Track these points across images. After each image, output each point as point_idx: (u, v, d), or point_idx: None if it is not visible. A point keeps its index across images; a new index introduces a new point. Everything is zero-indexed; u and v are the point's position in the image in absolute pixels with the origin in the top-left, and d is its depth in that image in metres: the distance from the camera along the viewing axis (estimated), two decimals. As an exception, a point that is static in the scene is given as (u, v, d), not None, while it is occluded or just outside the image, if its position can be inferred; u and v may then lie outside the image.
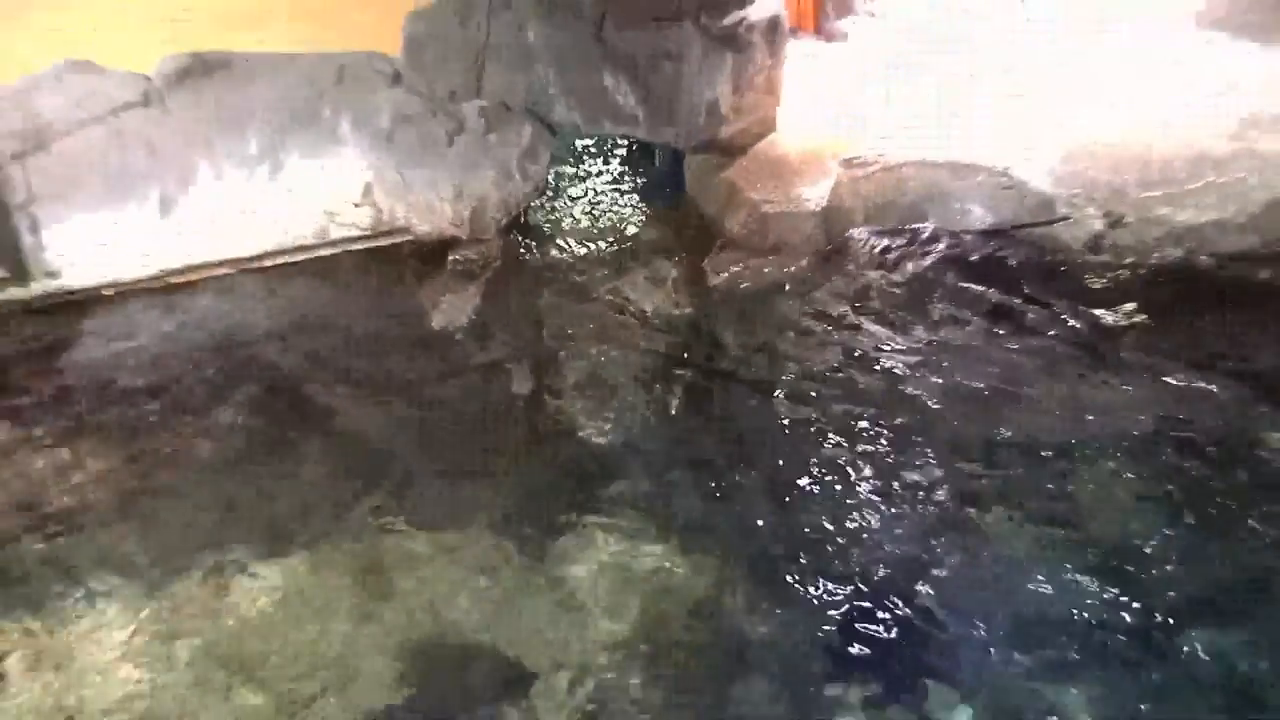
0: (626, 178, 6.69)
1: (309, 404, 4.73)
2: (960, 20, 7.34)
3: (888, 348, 4.88)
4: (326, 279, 5.76)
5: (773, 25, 5.85)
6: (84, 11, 5.41)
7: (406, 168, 5.74)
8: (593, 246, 5.98)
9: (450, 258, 5.82)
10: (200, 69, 5.57)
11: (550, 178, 6.23)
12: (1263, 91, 5.83)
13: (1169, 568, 3.56)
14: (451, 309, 5.42)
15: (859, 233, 5.67)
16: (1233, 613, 3.39)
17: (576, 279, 5.67)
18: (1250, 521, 3.73)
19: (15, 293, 5.48)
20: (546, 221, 6.28)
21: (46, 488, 4.29)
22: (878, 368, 4.75)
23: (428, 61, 5.69)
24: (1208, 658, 3.23)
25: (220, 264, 5.76)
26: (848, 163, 5.86)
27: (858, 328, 5.05)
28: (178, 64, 5.58)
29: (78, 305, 5.52)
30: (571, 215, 6.33)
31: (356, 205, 5.83)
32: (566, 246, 6.01)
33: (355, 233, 5.93)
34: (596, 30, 5.59)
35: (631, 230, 6.15)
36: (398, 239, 5.99)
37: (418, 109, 5.68)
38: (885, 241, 5.61)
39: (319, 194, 5.77)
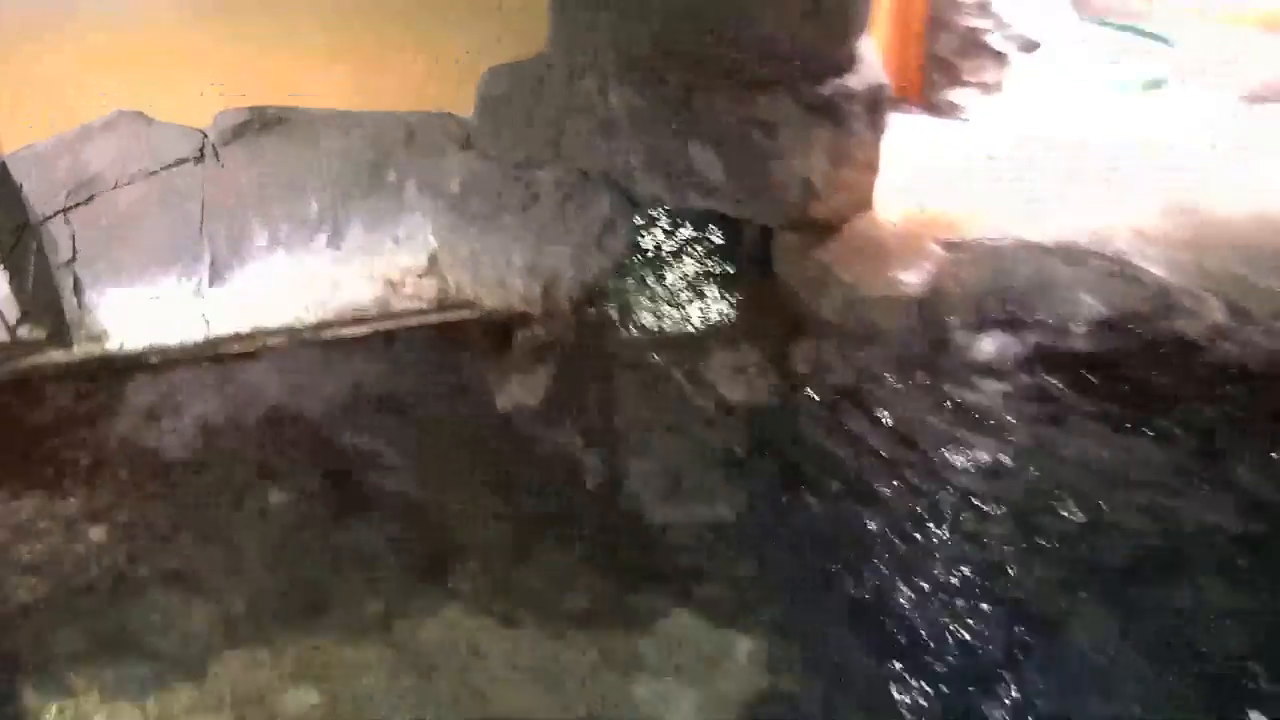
0: (711, 256, 6.76)
1: (365, 485, 5.04)
2: (1080, 95, 7.56)
3: (985, 448, 5.04)
4: (387, 354, 6.03)
5: (874, 95, 6.05)
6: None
7: (476, 238, 6.04)
8: (672, 328, 6.15)
9: (519, 336, 6.06)
10: (258, 124, 5.99)
11: (629, 253, 6.51)
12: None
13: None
14: (519, 390, 5.67)
15: (959, 321, 5.84)
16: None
17: (653, 362, 5.81)
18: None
19: (54, 356, 5.89)
20: (623, 300, 6.41)
21: (80, 565, 4.60)
22: (973, 470, 4.91)
23: (502, 125, 5.97)
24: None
25: (274, 333, 6.11)
26: (950, 245, 6.11)
27: (954, 427, 5.20)
28: (235, 119, 6.00)
29: (120, 372, 5.85)
30: (650, 294, 6.45)
31: (421, 276, 6.17)
32: (644, 327, 6.19)
33: (419, 305, 6.22)
34: (684, 97, 5.86)
35: (714, 312, 6.27)
36: (463, 314, 6.25)
37: (490, 175, 6.00)
38: (988, 331, 5.77)
39: (382, 263, 6.14)
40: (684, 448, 5.19)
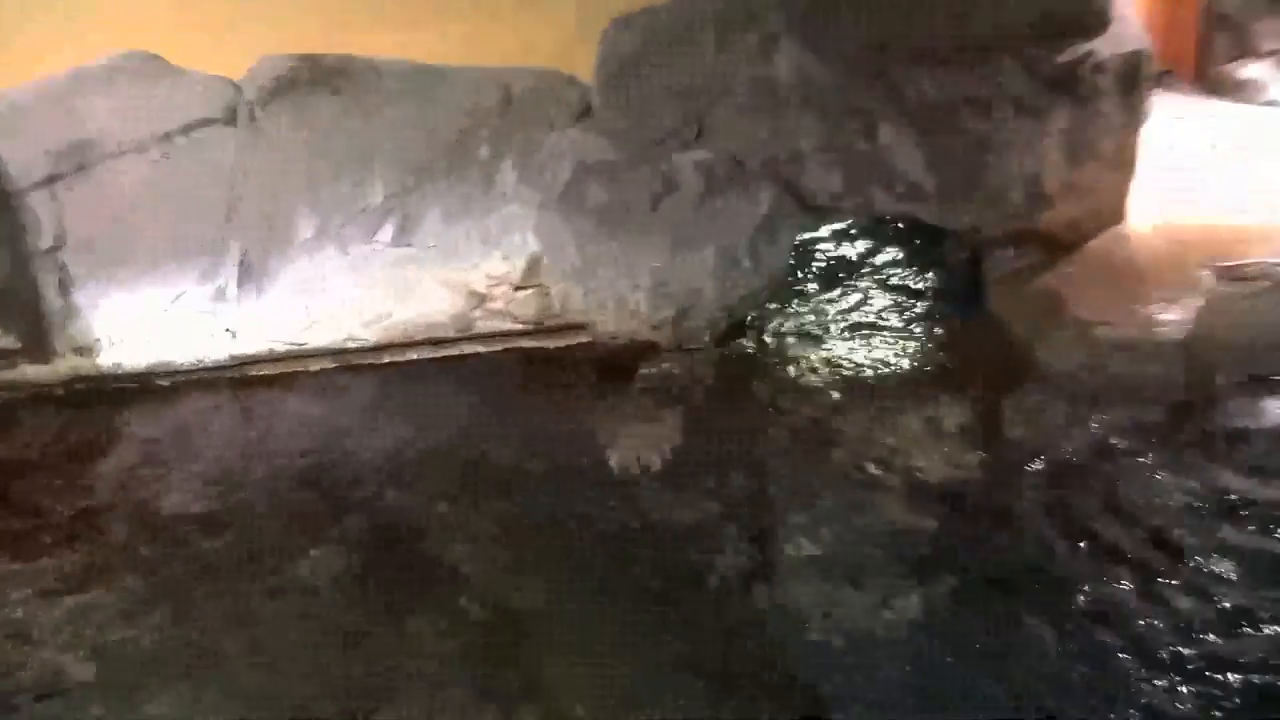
0: (902, 277, 6.73)
1: (427, 557, 4.93)
2: None
3: (1266, 552, 4.61)
4: (465, 387, 6.01)
5: (1131, 67, 5.82)
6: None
7: (591, 240, 5.94)
8: (846, 372, 5.99)
9: (641, 372, 6.00)
10: (310, 79, 5.97)
11: (793, 269, 6.48)
12: None
13: None
14: (637, 444, 5.56)
15: (1235, 378, 5.57)
16: None
17: (818, 417, 5.68)
18: None
19: (32, 372, 5.88)
20: (783, 331, 6.35)
21: (59, 648, 4.50)
22: (1248, 584, 4.44)
23: (632, 91, 5.93)
24: None
25: (319, 355, 6.17)
26: (1227, 272, 5.88)
27: (1222, 521, 4.80)
28: (279, 69, 5.92)
29: (117, 395, 5.96)
30: (819, 324, 6.38)
31: (516, 287, 6.13)
32: (808, 369, 6.06)
33: (510, 326, 6.21)
34: (875, 63, 5.74)
35: (903, 353, 6.14)
36: (569, 340, 6.24)
37: (613, 157, 5.91)
38: (1272, 392, 5.52)
39: (464, 268, 6.10)
40: (854, 536, 4.93)
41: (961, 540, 4.86)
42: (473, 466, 5.49)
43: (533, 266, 6.10)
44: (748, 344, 6.31)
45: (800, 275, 6.55)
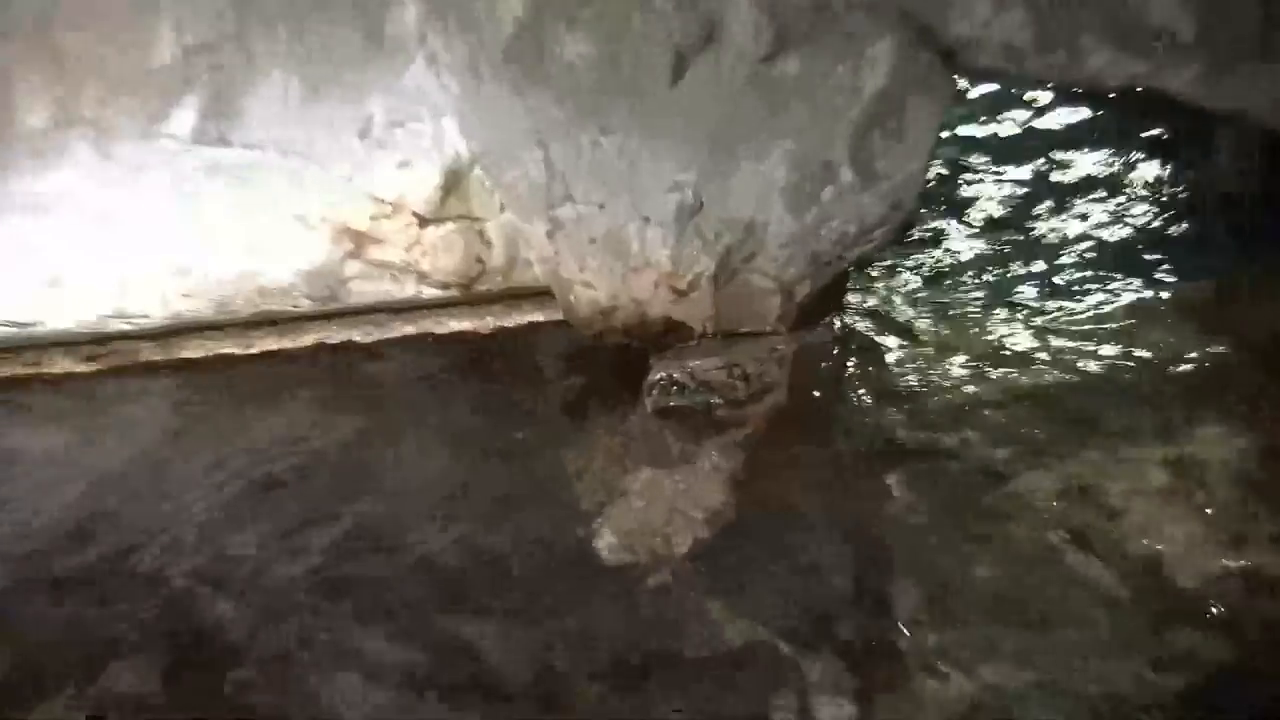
0: (1139, 198, 6.52)
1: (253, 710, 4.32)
2: None
3: None
4: (331, 404, 5.71)
5: None
6: None
7: (562, 134, 5.41)
8: (1031, 376, 5.60)
9: (655, 377, 5.50)
10: None
11: (936, 185, 6.14)
12: None
13: None
14: (650, 509, 5.06)
15: None
16: None
17: (978, 459, 5.20)
18: None
19: None
20: (916, 299, 6.07)
21: None
22: None
23: None
24: None
25: (62, 344, 6.01)
26: None
27: None
28: None
29: None
30: (982, 288, 6.11)
31: (425, 220, 5.68)
32: (960, 371, 5.68)
33: (415, 291, 5.90)
34: None
35: (1136, 335, 5.74)
36: (522, 316, 6.02)
37: None
38: None
39: (329, 185, 5.64)
40: (1037, 685, 4.32)
41: (1241, 697, 4.17)
42: (343, 551, 5.02)
43: (455, 182, 5.66)
44: (850, 323, 5.90)
45: (948, 198, 5.75)
